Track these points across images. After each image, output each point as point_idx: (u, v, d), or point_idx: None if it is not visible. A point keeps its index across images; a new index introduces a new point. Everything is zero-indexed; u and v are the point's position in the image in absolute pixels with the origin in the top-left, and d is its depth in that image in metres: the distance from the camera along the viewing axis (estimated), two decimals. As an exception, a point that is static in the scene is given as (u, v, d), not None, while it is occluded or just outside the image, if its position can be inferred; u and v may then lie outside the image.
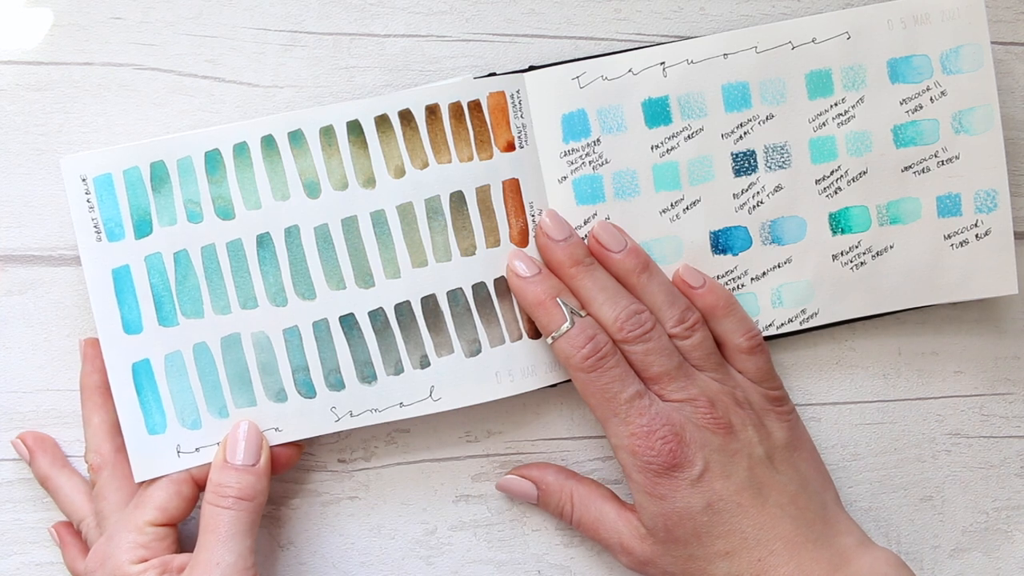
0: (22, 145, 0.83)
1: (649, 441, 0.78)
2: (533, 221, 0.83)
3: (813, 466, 0.85)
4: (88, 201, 0.77)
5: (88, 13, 0.84)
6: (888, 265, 0.88)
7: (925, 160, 0.87)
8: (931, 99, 0.86)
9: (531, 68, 0.84)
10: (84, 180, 0.77)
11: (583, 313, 0.80)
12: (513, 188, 0.83)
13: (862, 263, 0.88)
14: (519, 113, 0.83)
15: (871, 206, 0.88)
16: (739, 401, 0.83)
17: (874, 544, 0.81)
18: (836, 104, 0.87)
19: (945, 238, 0.87)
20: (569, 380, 0.84)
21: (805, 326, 0.89)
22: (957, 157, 0.87)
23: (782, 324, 0.89)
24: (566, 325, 0.79)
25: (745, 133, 0.86)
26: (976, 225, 0.87)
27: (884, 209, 0.88)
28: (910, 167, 0.87)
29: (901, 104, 0.87)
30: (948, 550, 0.92)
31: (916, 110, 0.87)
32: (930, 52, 0.86)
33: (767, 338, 0.87)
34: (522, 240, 0.83)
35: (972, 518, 0.92)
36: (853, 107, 0.87)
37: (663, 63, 0.85)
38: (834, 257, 0.88)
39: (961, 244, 0.88)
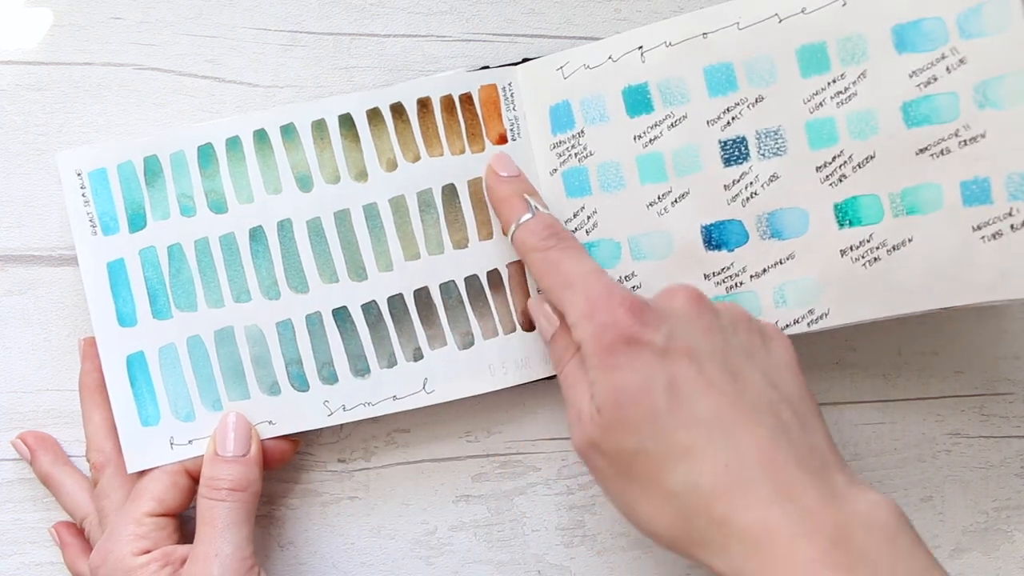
0: (22, 145, 0.84)
1: (609, 303, 0.68)
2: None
3: (807, 398, 0.69)
4: (83, 195, 0.77)
5: (88, 13, 0.84)
6: (907, 261, 0.75)
7: (944, 140, 0.73)
8: (947, 69, 0.73)
9: (525, 60, 0.84)
10: (79, 175, 0.77)
11: (547, 211, 0.78)
12: (506, 181, 0.83)
13: (876, 259, 0.76)
14: (511, 106, 0.83)
15: (883, 195, 0.76)
16: (729, 304, 0.74)
17: (871, 487, 0.63)
18: (834, 81, 0.76)
19: (974, 229, 0.73)
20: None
21: (814, 328, 0.79)
22: (983, 135, 0.72)
23: (787, 325, 0.79)
24: (527, 215, 0.77)
25: (733, 118, 0.78)
26: (1011, 214, 0.72)
27: (898, 198, 0.75)
28: (926, 149, 0.74)
29: (911, 77, 0.74)
30: (948, 550, 0.91)
31: (929, 83, 0.73)
32: (943, 13, 0.72)
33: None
34: (515, 232, 0.83)
35: (972, 518, 0.91)
36: (854, 83, 0.75)
37: (641, 47, 0.80)
38: (843, 253, 0.77)
39: (994, 236, 0.73)
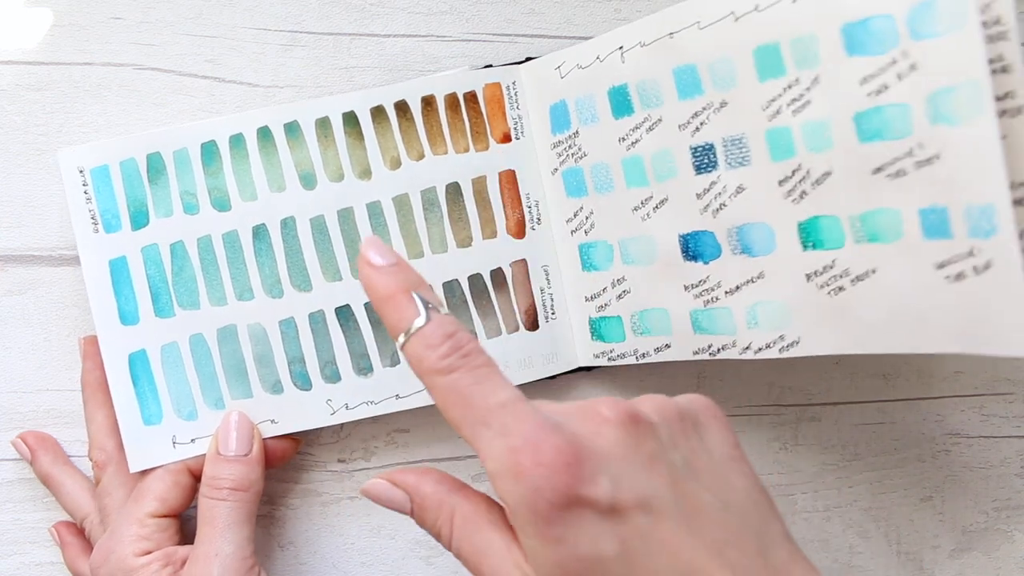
0: (22, 145, 0.83)
1: (539, 453, 0.54)
2: (530, 212, 0.84)
3: (756, 499, 0.60)
4: (85, 192, 0.77)
5: (88, 13, 0.84)
6: (872, 295, 0.66)
7: (899, 160, 0.62)
8: (898, 76, 0.61)
9: (528, 59, 0.85)
10: (81, 172, 0.77)
11: (444, 310, 0.60)
12: (509, 179, 0.83)
13: (840, 288, 0.67)
14: (515, 104, 0.83)
15: (843, 217, 0.66)
16: (656, 401, 0.61)
17: None
18: (790, 87, 0.67)
19: (936, 267, 0.62)
20: (567, 372, 0.85)
21: (786, 355, 0.71)
22: (938, 156, 0.60)
23: (760, 349, 0.73)
24: (419, 321, 0.59)
25: (702, 124, 0.72)
26: (971, 254, 0.60)
27: (858, 222, 0.65)
28: (881, 168, 0.63)
29: (862, 84, 0.63)
30: (948, 550, 0.91)
31: (880, 91, 0.62)
32: (894, 10, 0.60)
33: (744, 363, 0.73)
34: (519, 231, 0.83)
35: (972, 518, 0.91)
36: (808, 89, 0.66)
37: (621, 48, 0.77)
38: (808, 277, 0.69)
39: (957, 278, 0.61)
